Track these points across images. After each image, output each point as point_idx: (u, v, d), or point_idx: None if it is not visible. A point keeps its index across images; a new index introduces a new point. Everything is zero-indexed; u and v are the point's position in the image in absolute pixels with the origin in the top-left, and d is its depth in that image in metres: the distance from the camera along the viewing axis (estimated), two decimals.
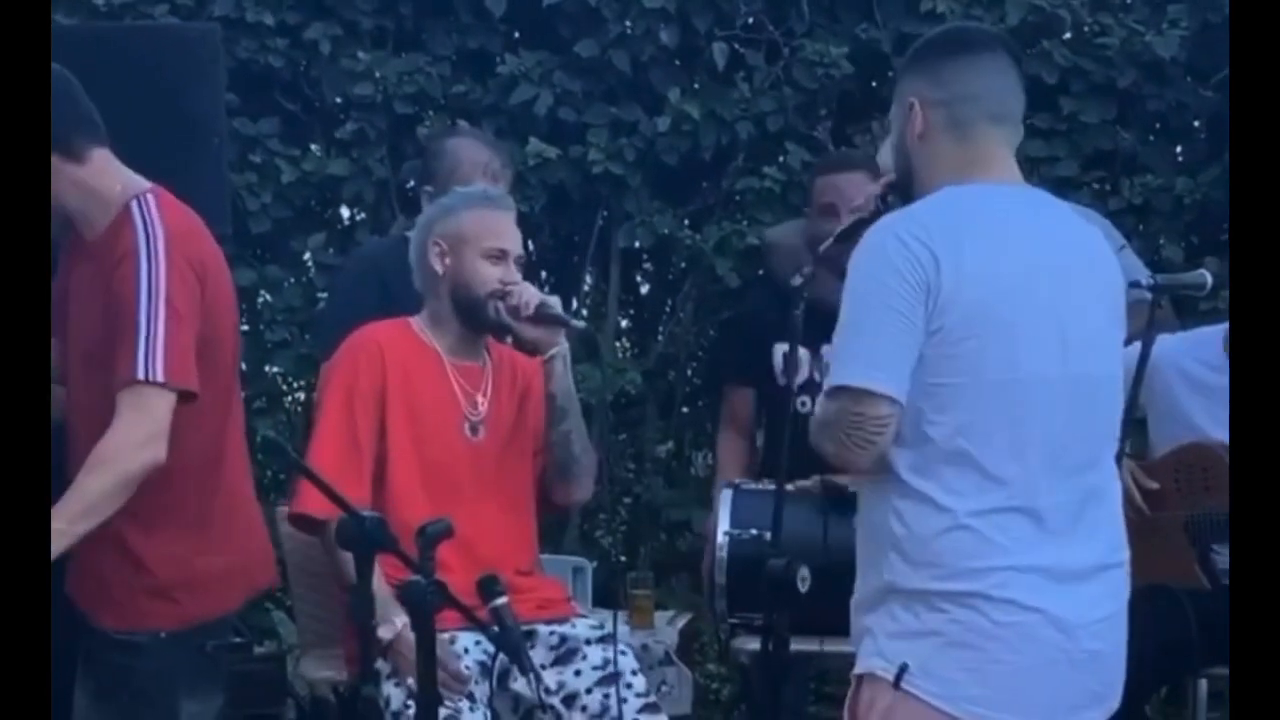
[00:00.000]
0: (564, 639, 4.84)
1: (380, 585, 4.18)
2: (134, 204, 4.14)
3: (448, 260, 4.96)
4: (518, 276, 4.97)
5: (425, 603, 3.63)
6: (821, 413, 3.67)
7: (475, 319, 4.96)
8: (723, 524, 5.24)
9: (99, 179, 4.17)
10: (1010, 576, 3.57)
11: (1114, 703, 3.73)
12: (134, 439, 4.01)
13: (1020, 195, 3.79)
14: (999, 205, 3.71)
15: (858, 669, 3.70)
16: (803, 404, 5.66)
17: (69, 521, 3.94)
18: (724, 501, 5.30)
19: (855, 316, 3.63)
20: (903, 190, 3.86)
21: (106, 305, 4.09)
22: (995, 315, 3.60)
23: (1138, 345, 4.76)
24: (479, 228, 4.96)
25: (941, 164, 3.75)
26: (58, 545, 3.88)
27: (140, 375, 4.00)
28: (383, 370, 4.90)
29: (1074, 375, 3.67)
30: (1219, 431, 4.97)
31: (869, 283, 3.62)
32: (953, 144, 3.74)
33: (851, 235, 4.11)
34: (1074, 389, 3.67)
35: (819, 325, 5.21)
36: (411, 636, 3.70)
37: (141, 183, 4.21)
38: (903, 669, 3.59)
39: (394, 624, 4.50)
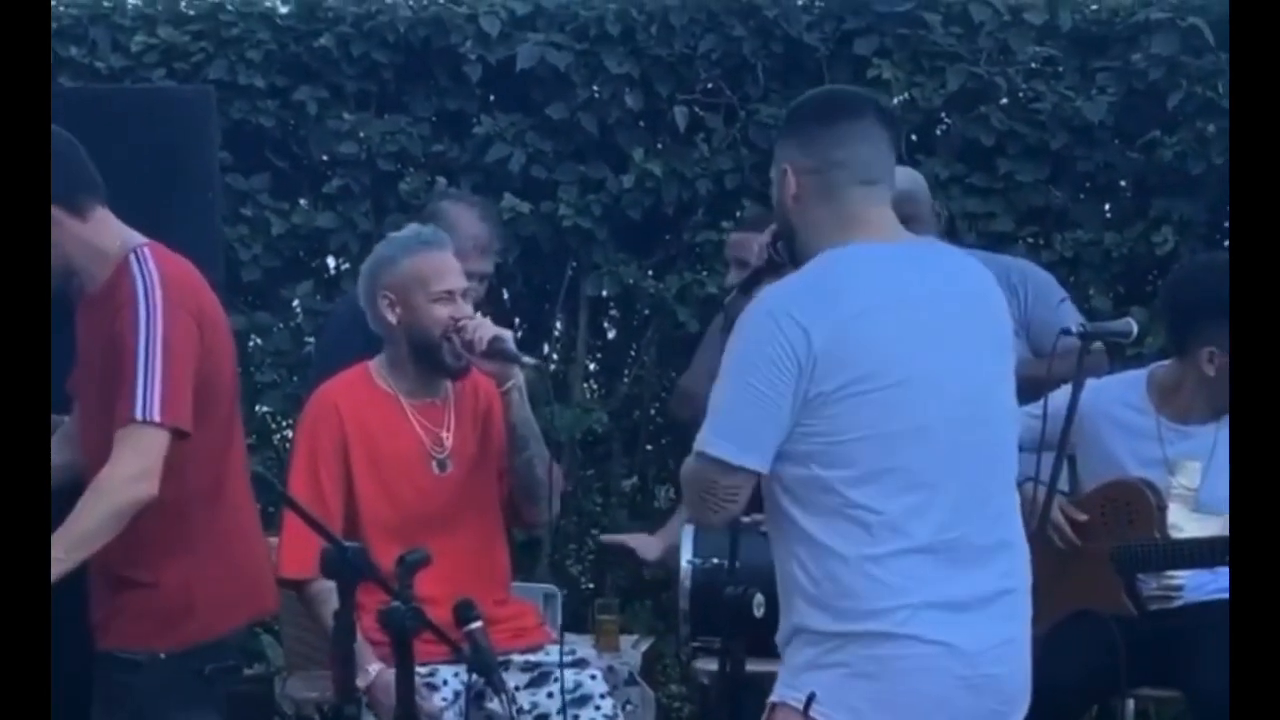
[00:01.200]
0: (537, 665, 4.83)
1: (360, 639, 4.16)
2: (131, 256, 4.14)
3: (399, 310, 4.85)
4: (468, 310, 4.86)
5: (405, 628, 3.62)
6: (686, 469, 3.67)
7: (434, 362, 4.86)
8: (685, 553, 5.24)
9: (100, 235, 4.16)
10: (911, 614, 3.52)
11: (1018, 717, 3.69)
12: (127, 474, 4.01)
13: (900, 251, 3.69)
14: (878, 265, 3.62)
15: (771, 698, 3.67)
16: None
17: (65, 550, 3.94)
18: (686, 534, 5.31)
19: (723, 387, 3.60)
20: (787, 245, 3.79)
21: (106, 350, 4.09)
22: (878, 371, 3.53)
23: (1068, 388, 4.79)
24: (422, 273, 4.84)
25: (819, 226, 3.66)
26: (54, 571, 3.86)
27: (138, 415, 3.99)
28: (340, 427, 4.83)
29: (965, 418, 3.59)
30: (1142, 469, 5.00)
31: (739, 358, 3.58)
32: (826, 207, 3.66)
33: (750, 287, 4.08)
34: (965, 431, 3.59)
35: None
36: (387, 679, 3.66)
37: (138, 237, 4.20)
38: (810, 697, 3.55)
39: (368, 671, 4.47)
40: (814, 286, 3.58)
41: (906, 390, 3.54)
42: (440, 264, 4.87)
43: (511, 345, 4.81)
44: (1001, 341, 3.76)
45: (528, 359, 4.90)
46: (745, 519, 4.78)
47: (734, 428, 3.57)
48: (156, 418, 4.00)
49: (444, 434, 4.92)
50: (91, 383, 4.17)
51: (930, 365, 3.57)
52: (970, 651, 3.56)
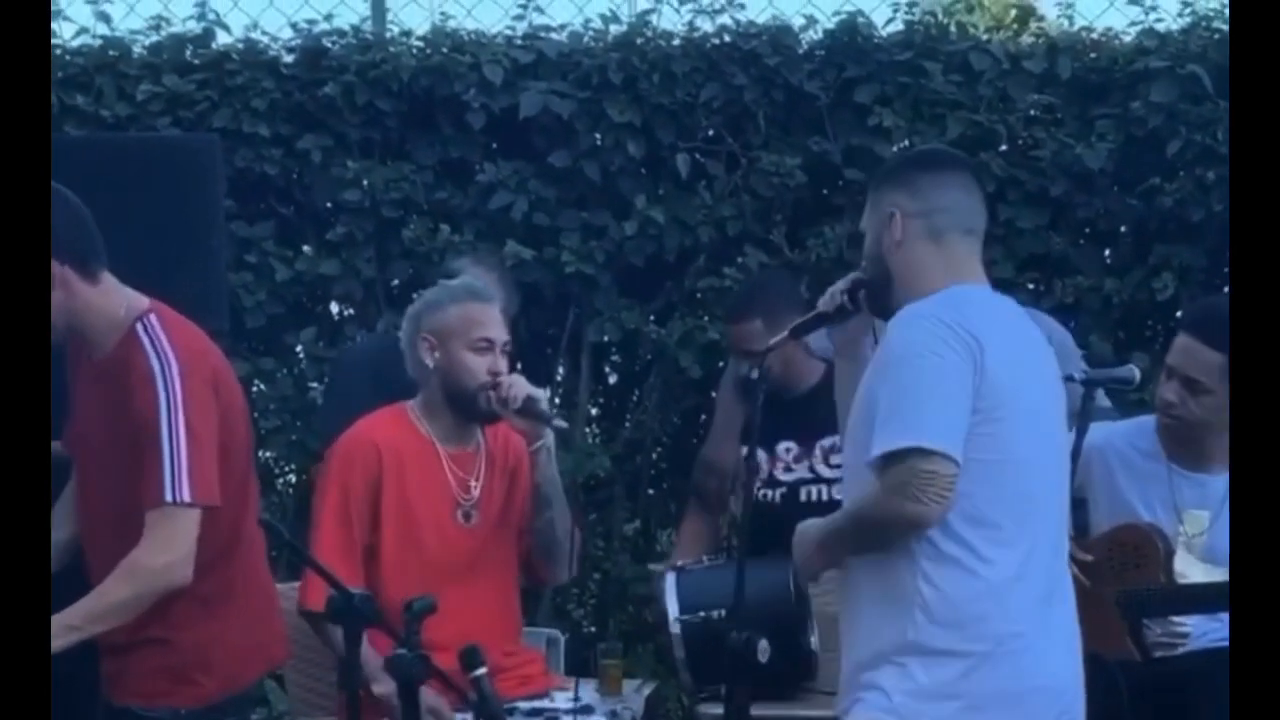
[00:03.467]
0: (541, 711, 4.80)
1: (370, 651, 4.18)
2: (139, 326, 4.09)
3: (437, 354, 4.88)
4: (505, 366, 4.88)
5: (411, 675, 3.59)
6: (889, 477, 3.61)
7: (467, 409, 4.87)
8: (672, 610, 5.23)
9: (107, 300, 4.12)
10: (1028, 641, 3.62)
11: None
12: (163, 561, 3.99)
13: (1000, 299, 3.88)
14: (996, 306, 3.80)
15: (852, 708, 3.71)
16: (764, 495, 5.71)
17: (85, 621, 3.94)
18: (669, 587, 5.28)
19: (909, 388, 3.61)
20: (878, 292, 3.87)
21: (121, 427, 4.04)
22: (1015, 400, 3.66)
23: (1073, 433, 4.76)
24: (465, 321, 4.88)
25: (924, 269, 3.78)
26: (70, 639, 3.85)
27: (169, 498, 3.97)
28: (378, 467, 4.83)
29: (1056, 462, 3.80)
30: (1151, 514, 4.97)
31: (924, 356, 3.61)
32: (931, 251, 3.78)
33: (806, 329, 4.12)
34: (1057, 474, 3.80)
35: (771, 419, 5.23)
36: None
37: (142, 301, 4.16)
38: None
39: (388, 681, 4.45)
40: (962, 308, 3.69)
41: (1027, 422, 3.69)
42: (483, 314, 4.91)
43: (544, 406, 4.85)
44: (1060, 382, 3.92)
45: (559, 423, 4.93)
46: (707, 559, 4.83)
47: (936, 419, 3.59)
48: (187, 498, 3.98)
49: (473, 483, 4.92)
50: (94, 449, 4.13)
51: (1036, 404, 3.73)
52: (1065, 687, 3.74)
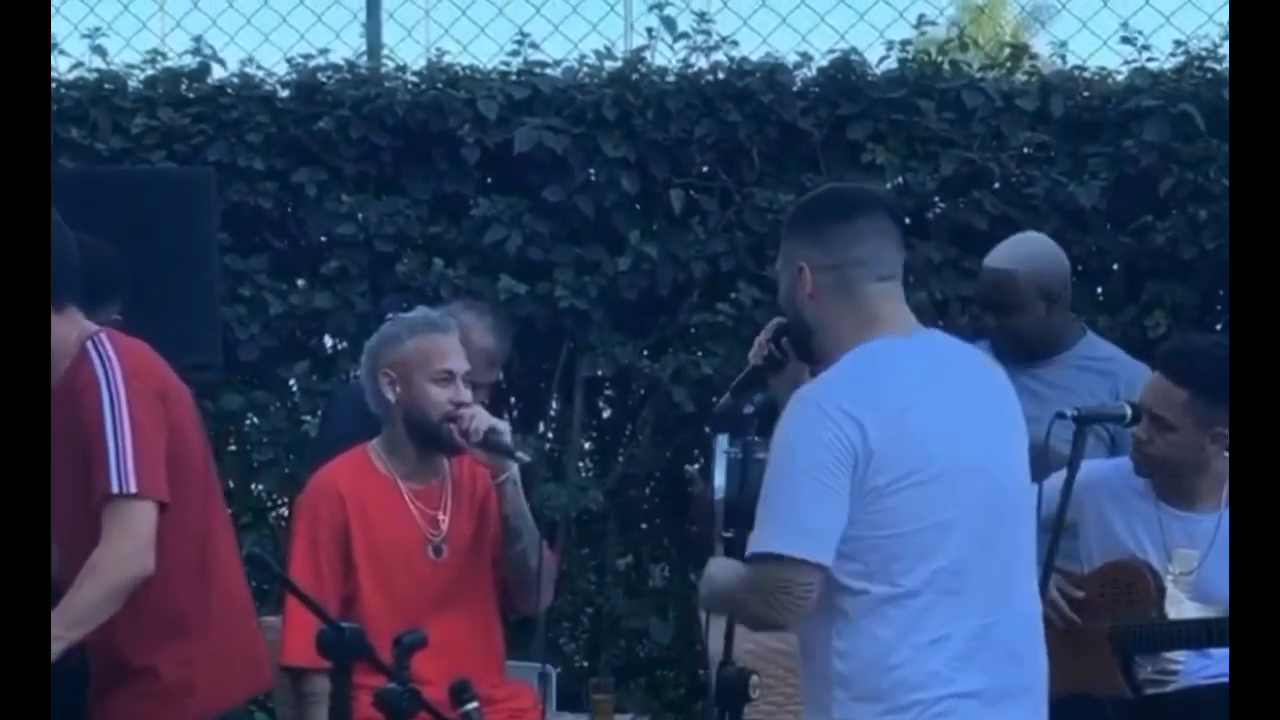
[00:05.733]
0: None
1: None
2: (89, 344, 4.13)
3: (398, 388, 4.82)
4: (468, 396, 4.83)
5: (401, 709, 3.58)
6: (748, 576, 3.60)
7: (431, 441, 4.83)
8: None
9: (65, 328, 4.13)
10: (953, 704, 3.53)
11: None
12: (121, 552, 4.01)
13: (921, 344, 3.71)
14: (908, 359, 3.64)
15: None
16: None
17: (64, 628, 3.93)
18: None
19: (780, 485, 3.55)
20: (800, 340, 3.79)
21: (71, 436, 4.05)
22: (922, 465, 3.54)
23: (1063, 470, 4.76)
24: (424, 353, 4.82)
25: (839, 323, 3.66)
26: (54, 649, 3.82)
27: (115, 489, 4.00)
28: (343, 512, 4.80)
29: (999, 507, 3.63)
30: (1141, 551, 4.97)
31: (794, 453, 3.54)
32: (845, 304, 3.66)
33: (748, 386, 4.07)
34: (1001, 521, 3.63)
35: None
36: None
37: (92, 326, 4.18)
38: None
39: None
40: (856, 381, 3.58)
41: (947, 482, 3.56)
42: (443, 345, 4.85)
43: (506, 438, 4.78)
44: (1015, 422, 3.78)
45: (521, 455, 4.84)
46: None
47: (801, 523, 3.52)
48: (133, 488, 4.00)
49: (440, 517, 4.87)
50: (58, 474, 4.13)
51: (963, 457, 3.59)
52: None
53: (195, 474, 4.22)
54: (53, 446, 4.09)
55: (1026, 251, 5.63)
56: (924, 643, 3.53)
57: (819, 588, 3.53)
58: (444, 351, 4.84)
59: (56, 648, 3.86)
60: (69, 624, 3.96)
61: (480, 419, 4.76)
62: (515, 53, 7.22)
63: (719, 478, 4.48)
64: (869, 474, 3.51)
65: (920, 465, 3.54)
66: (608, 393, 7.45)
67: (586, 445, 7.45)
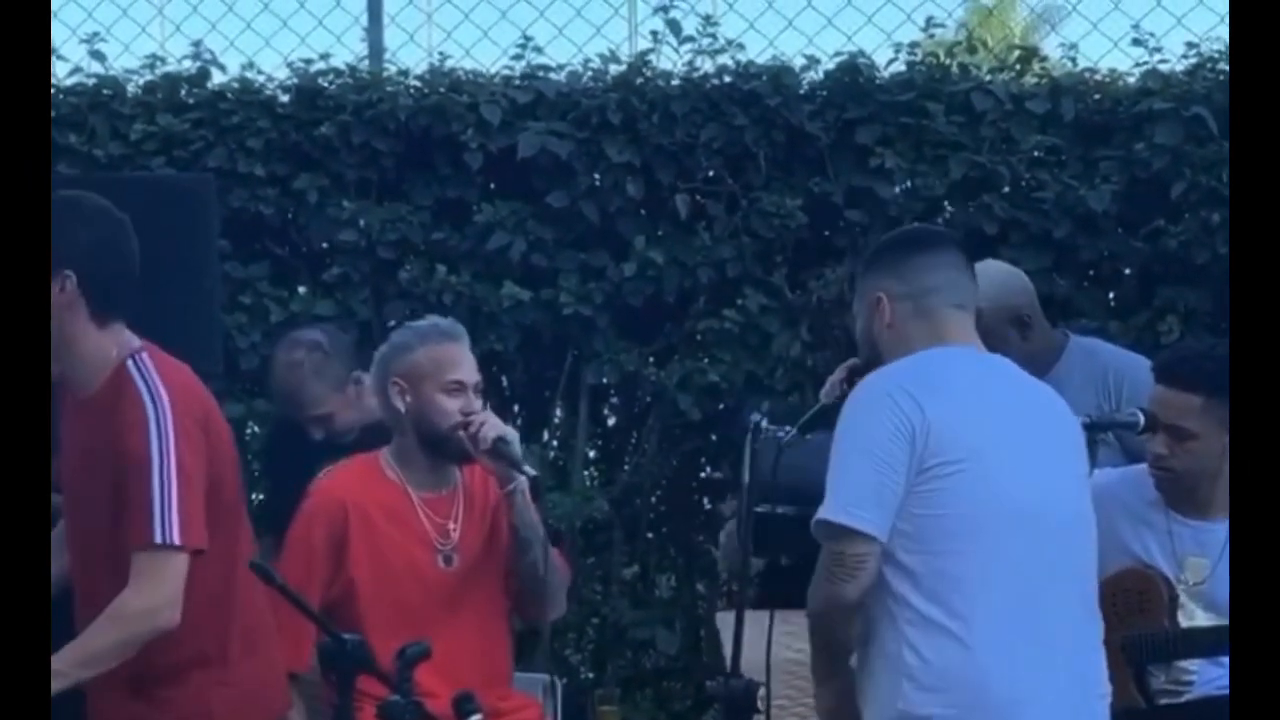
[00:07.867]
0: None
1: None
2: (130, 363, 4.06)
3: (408, 398, 4.79)
4: (478, 405, 4.81)
5: None
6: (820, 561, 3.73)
7: (441, 451, 4.80)
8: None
9: (103, 339, 4.08)
10: (1020, 708, 3.63)
11: None
12: (150, 604, 3.96)
13: (984, 357, 3.92)
14: (969, 364, 3.85)
15: None
16: None
17: (71, 665, 3.90)
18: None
19: (839, 461, 3.72)
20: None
21: (106, 464, 4.01)
22: (967, 458, 3.70)
23: None
24: (435, 363, 4.79)
25: (912, 340, 3.86)
26: (56, 685, 3.78)
27: (158, 539, 3.93)
28: (343, 521, 4.76)
29: (1057, 512, 3.81)
30: (1151, 560, 4.96)
31: (854, 431, 3.73)
32: (921, 327, 3.86)
33: (815, 425, 4.15)
34: (1060, 525, 3.81)
35: None
36: None
37: (134, 340, 4.13)
38: None
39: None
40: (919, 370, 3.79)
41: (1006, 476, 3.75)
42: (454, 355, 4.83)
43: (515, 449, 4.77)
44: (1078, 448, 3.99)
45: (528, 469, 4.82)
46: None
47: (858, 496, 3.68)
48: (177, 540, 3.95)
49: (451, 526, 4.85)
50: (82, 484, 4.10)
51: (1016, 459, 3.79)
52: None
53: (227, 501, 4.16)
54: (80, 455, 4.10)
55: (984, 286, 5.59)
56: (991, 639, 3.67)
57: (874, 562, 3.67)
58: (456, 361, 4.82)
59: (59, 683, 3.81)
60: (81, 663, 3.91)
61: (490, 426, 4.74)
62: (518, 57, 7.23)
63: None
64: (926, 453, 3.68)
65: (964, 458, 3.71)
66: (613, 400, 7.44)
67: (591, 454, 7.44)
